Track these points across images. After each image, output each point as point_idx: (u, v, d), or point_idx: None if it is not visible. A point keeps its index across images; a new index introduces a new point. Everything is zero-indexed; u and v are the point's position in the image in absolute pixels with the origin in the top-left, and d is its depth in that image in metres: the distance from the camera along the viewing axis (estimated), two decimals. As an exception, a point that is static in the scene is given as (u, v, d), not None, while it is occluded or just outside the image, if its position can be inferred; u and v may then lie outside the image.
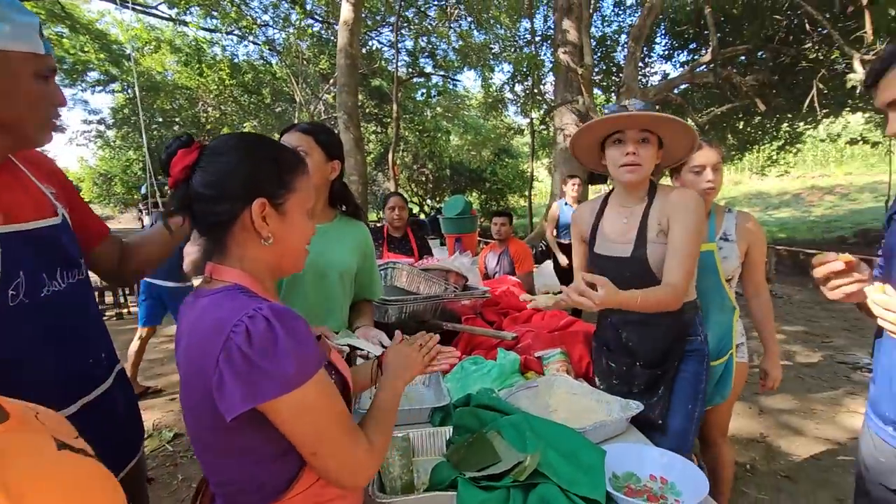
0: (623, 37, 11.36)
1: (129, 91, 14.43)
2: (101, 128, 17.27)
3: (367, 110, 17.65)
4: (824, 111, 10.02)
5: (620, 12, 12.00)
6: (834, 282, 0.92)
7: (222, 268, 0.81)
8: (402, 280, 1.86)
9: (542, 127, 14.20)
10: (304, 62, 13.39)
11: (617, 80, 11.15)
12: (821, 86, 8.42)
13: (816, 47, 8.57)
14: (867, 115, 11.53)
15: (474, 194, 21.56)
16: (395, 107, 9.51)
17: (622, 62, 10.18)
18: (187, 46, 13.98)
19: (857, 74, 6.95)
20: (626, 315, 1.46)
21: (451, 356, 1.10)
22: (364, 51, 14.02)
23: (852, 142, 11.58)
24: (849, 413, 3.17)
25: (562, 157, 9.78)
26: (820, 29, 7.64)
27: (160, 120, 16.18)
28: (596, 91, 11.96)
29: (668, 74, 11.76)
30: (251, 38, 14.35)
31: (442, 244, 5.65)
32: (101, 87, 14.70)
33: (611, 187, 1.58)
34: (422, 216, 20.25)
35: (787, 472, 2.51)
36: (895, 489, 1.03)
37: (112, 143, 18.09)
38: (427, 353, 1.04)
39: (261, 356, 0.67)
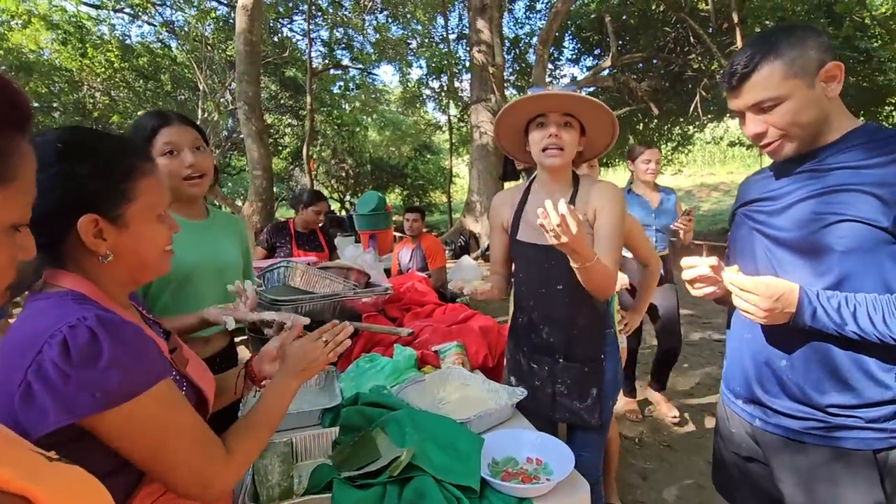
0: (534, 39, 11.85)
1: (-7, 69, 12.53)
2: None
3: (282, 101, 16.85)
4: (708, 116, 11.22)
5: (531, 15, 12.51)
6: (699, 283, 1.03)
7: (59, 272, 0.72)
8: (296, 279, 1.79)
9: (461, 124, 14.45)
10: (208, 48, 12.44)
11: (529, 80, 11.61)
12: (704, 93, 9.41)
13: (699, 58, 9.54)
14: (742, 120, 13.08)
15: (396, 190, 21.44)
16: (309, 98, 9.16)
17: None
18: (66, 23, 12.40)
19: (731, 84, 7.85)
20: (547, 311, 1.44)
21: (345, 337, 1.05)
22: (276, 39, 13.35)
23: (732, 144, 13.10)
24: (721, 385, 3.58)
25: (479, 154, 10.03)
26: (702, 42, 8.51)
27: (35, 105, 14.23)
28: (511, 91, 12.40)
29: (575, 77, 12.47)
30: (145, 17, 13.06)
31: (357, 241, 5.56)
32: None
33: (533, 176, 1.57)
34: (343, 213, 19.81)
35: (669, 442, 2.78)
36: (746, 456, 1.15)
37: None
38: (334, 347, 0.99)
39: (79, 369, 0.60)
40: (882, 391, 0.90)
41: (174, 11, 12.48)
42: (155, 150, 1.26)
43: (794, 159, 0.99)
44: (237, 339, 1.63)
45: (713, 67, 9.38)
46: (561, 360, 1.43)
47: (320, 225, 3.29)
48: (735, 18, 7.47)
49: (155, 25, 13.39)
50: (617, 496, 2.22)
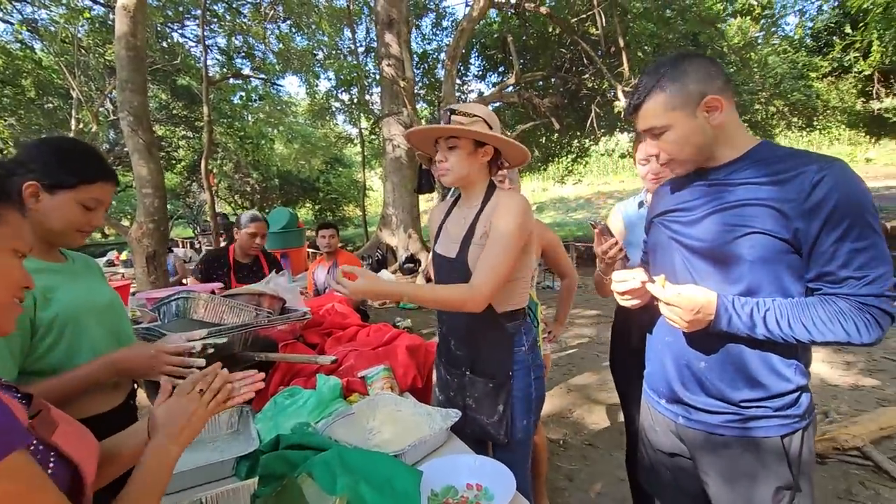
0: (442, 55, 12.14)
1: None
2: None
3: (175, 112, 15.48)
4: (602, 131, 12.23)
5: (438, 32, 12.82)
6: (628, 295, 1.12)
7: None
8: (199, 311, 1.59)
9: (373, 137, 14.32)
10: (82, 51, 11.09)
11: (439, 94, 11.85)
12: (598, 110, 10.23)
13: (592, 78, 10.38)
14: (631, 135, 14.48)
15: (308, 205, 20.65)
16: (206, 109, 8.48)
17: (443, 78, 10.91)
18: None
19: (621, 103, 8.63)
20: (453, 324, 1.47)
21: (253, 382, 0.95)
22: (165, 44, 12.26)
23: (622, 156, 14.44)
24: (631, 379, 3.84)
25: (392, 167, 9.98)
26: (593, 63, 9.27)
27: None
28: (422, 104, 12.56)
29: (482, 93, 12.95)
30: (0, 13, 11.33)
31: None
32: None
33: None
34: (249, 230, 18.58)
35: (591, 441, 2.91)
36: (670, 453, 1.22)
37: None
38: (213, 396, 0.87)
39: None
40: (785, 384, 1.01)
41: (36, 9, 10.97)
42: (73, 194, 1.12)
43: (700, 173, 1.08)
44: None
45: (604, 87, 10.26)
46: (468, 374, 1.46)
47: (253, 251, 2.85)
48: (621, 43, 8.23)
49: (12, 24, 11.65)
50: (547, 500, 2.26)
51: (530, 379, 1.47)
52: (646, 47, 9.74)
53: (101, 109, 11.85)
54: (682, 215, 1.10)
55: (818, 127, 12.70)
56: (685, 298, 0.98)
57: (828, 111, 12.94)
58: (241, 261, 2.87)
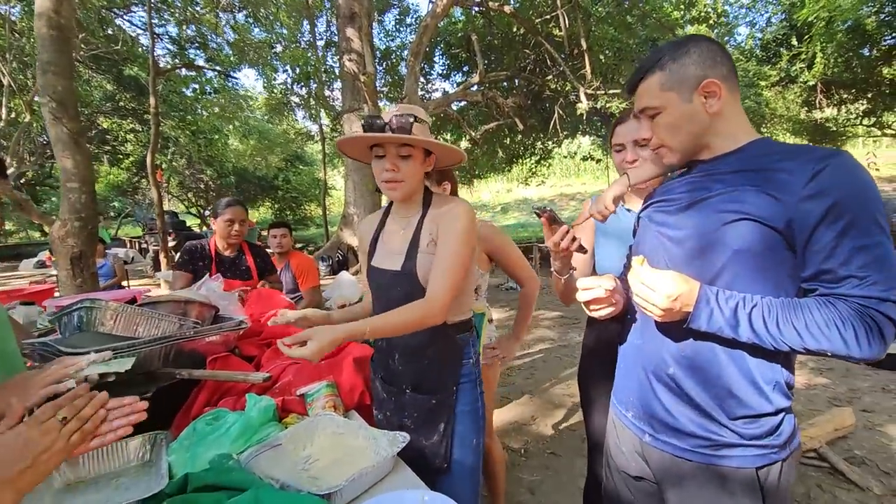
0: (405, 52, 11.95)
1: None
2: None
3: (122, 104, 14.56)
4: (564, 133, 12.36)
5: (402, 28, 12.62)
6: (595, 305, 1.01)
7: None
8: (107, 323, 1.37)
9: (335, 133, 13.96)
10: (15, 35, 10.23)
11: (402, 91, 11.66)
12: (561, 112, 10.32)
13: (556, 80, 10.45)
14: (592, 137, 14.73)
15: (267, 203, 19.96)
16: (153, 100, 7.97)
17: (406, 75, 10.73)
18: None
19: (583, 105, 8.71)
20: (399, 339, 1.33)
21: (132, 412, 0.77)
22: (110, 32, 11.49)
23: (584, 158, 14.63)
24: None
25: (354, 165, 9.70)
26: (557, 65, 9.32)
27: None
28: (384, 102, 12.31)
29: (447, 91, 12.85)
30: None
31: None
32: None
33: None
34: (204, 229, 17.75)
35: (553, 449, 2.82)
36: (634, 476, 1.11)
37: None
38: (78, 427, 0.68)
39: None
40: (763, 402, 0.89)
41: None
42: None
43: (691, 165, 1.01)
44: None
45: (567, 89, 10.36)
46: (408, 392, 1.34)
47: (232, 239, 2.56)
48: (584, 45, 8.30)
49: (-67, 1, 10.61)
50: (508, 518, 2.14)
51: (477, 393, 1.37)
52: (607, 51, 9.89)
53: (35, 98, 10.98)
54: (667, 205, 1.01)
55: (766, 134, 13.31)
56: (663, 281, 0.86)
57: (774, 119, 13.58)
58: (224, 253, 2.62)
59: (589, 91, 8.86)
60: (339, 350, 1.68)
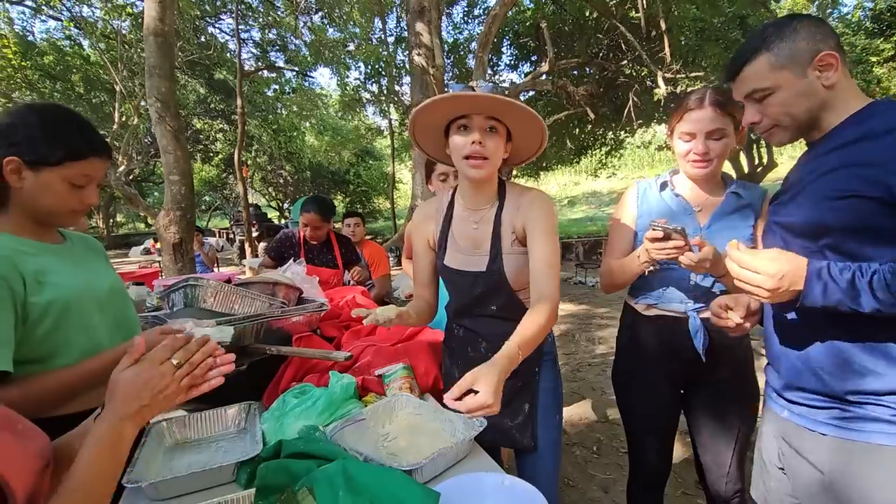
0: (473, 44, 11.90)
1: None
2: None
3: (212, 105, 15.83)
4: (639, 121, 11.73)
5: (469, 21, 12.57)
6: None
7: None
8: (208, 300, 1.49)
9: (403, 128, 14.26)
10: (125, 46, 11.42)
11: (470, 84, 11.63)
12: (636, 99, 9.79)
13: (631, 65, 9.93)
14: (669, 125, 13.86)
15: (339, 197, 20.85)
16: (239, 101, 8.58)
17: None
18: (-50, 14, 10.95)
19: (661, 90, 8.20)
20: (482, 328, 1.33)
21: (223, 364, 0.81)
22: (203, 39, 12.50)
23: (659, 148, 13.82)
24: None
25: (421, 159, 9.85)
26: (632, 49, 8.84)
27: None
28: (452, 95, 12.35)
29: (514, 82, 12.65)
30: (50, 11, 11.81)
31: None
32: None
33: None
34: (283, 221, 18.93)
35: (627, 448, 2.70)
36: (778, 466, 1.04)
37: None
38: (189, 372, 0.73)
39: None
40: None
41: (83, 6, 11.35)
42: (60, 171, 1.01)
43: (807, 148, 0.99)
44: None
45: (643, 74, 9.80)
46: None
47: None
48: (663, 26, 7.80)
49: (61, 20, 12.12)
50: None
51: (556, 370, 1.38)
52: (688, 31, 9.23)
53: (142, 103, 12.22)
54: (782, 197, 1.01)
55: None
56: (765, 261, 0.82)
57: (885, 98, 11.99)
58: (312, 242, 2.85)
59: (668, 75, 8.32)
60: (413, 334, 1.72)
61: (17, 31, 12.28)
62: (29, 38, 12.60)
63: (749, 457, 1.36)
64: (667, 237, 1.19)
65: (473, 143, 1.15)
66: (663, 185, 1.48)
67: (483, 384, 0.88)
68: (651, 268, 1.34)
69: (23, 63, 12.01)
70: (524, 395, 1.31)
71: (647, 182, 1.53)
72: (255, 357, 1.53)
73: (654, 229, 1.20)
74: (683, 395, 1.53)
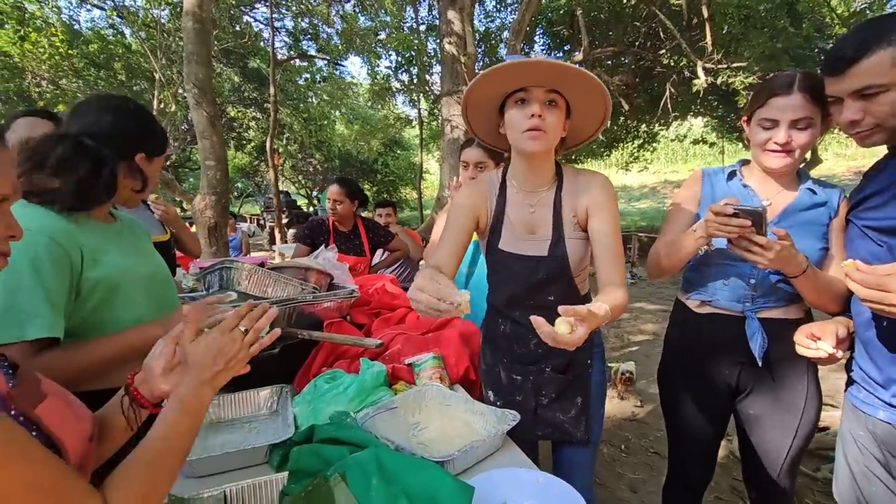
0: (505, 33, 11.70)
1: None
2: None
3: (246, 93, 16.10)
4: (675, 113, 11.33)
5: (502, 9, 12.37)
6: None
7: None
8: (242, 283, 1.51)
9: (432, 118, 14.20)
10: (164, 34, 11.71)
11: (501, 74, 11.47)
12: (672, 90, 9.45)
13: (669, 54, 9.58)
14: (706, 119, 13.34)
15: (366, 186, 21.01)
16: (272, 90, 8.69)
17: (505, 58, 10.49)
18: (2, 2, 11.42)
19: (701, 80, 7.89)
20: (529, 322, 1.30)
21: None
22: (237, 28, 12.70)
23: (695, 142, 13.31)
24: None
25: (450, 149, 9.77)
26: (672, 38, 8.52)
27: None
28: (482, 85, 12.21)
29: (547, 72, 12.39)
30: (94, 0, 12.21)
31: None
32: None
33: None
34: (311, 208, 19.22)
35: (657, 449, 2.63)
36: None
37: None
38: (255, 337, 0.78)
39: None
40: None
41: (126, -6, 11.68)
42: (159, 161, 1.24)
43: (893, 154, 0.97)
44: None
45: (682, 63, 9.44)
46: (548, 371, 1.29)
47: (335, 214, 2.81)
48: (705, 14, 7.49)
49: (105, 10, 12.51)
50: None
51: (604, 363, 1.38)
52: (731, 19, 8.81)
53: (179, 91, 12.54)
54: (873, 201, 0.98)
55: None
56: (892, 277, 0.78)
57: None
58: (340, 229, 2.88)
59: (708, 65, 7.99)
60: (444, 323, 1.70)
61: (63, 20, 12.72)
62: (75, 27, 13.04)
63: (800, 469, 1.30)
64: (735, 216, 1.07)
65: (533, 115, 1.08)
66: (731, 175, 1.36)
67: (582, 328, 0.84)
68: (705, 247, 1.25)
69: (70, 51, 12.46)
70: (577, 388, 1.29)
71: (714, 169, 1.43)
72: (287, 341, 1.54)
73: (726, 204, 1.09)
74: (735, 400, 1.41)
